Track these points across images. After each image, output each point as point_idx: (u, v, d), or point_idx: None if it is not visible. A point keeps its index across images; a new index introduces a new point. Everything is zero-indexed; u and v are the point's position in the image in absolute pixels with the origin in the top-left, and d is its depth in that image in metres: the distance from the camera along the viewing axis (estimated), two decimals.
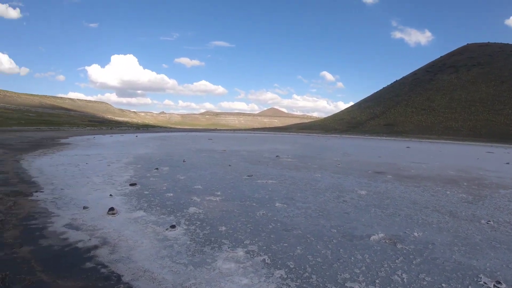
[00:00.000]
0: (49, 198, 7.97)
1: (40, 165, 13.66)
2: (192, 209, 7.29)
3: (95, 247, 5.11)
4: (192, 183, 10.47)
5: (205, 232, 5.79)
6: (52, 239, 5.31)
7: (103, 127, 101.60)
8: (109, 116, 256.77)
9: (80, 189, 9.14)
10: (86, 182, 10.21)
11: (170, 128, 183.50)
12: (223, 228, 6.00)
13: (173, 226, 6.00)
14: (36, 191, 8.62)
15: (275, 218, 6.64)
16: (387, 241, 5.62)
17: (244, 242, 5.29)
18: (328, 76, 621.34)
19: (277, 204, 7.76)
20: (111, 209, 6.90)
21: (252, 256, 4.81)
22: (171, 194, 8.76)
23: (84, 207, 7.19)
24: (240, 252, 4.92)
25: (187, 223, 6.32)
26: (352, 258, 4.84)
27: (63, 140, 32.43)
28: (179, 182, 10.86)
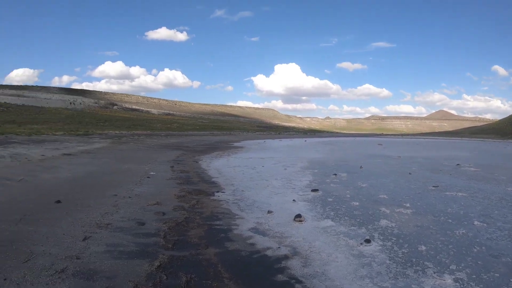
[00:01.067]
0: (231, 199, 8.10)
1: (218, 166, 14.82)
2: (383, 222, 6.90)
3: (286, 257, 4.89)
4: (376, 191, 10.17)
5: (403, 250, 5.31)
6: (238, 243, 5.12)
7: (272, 132, 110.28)
8: (276, 122, 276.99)
9: (260, 192, 9.15)
10: (265, 185, 10.29)
11: (336, 133, 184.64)
12: (423, 247, 5.47)
13: (367, 241, 5.62)
14: (218, 191, 8.97)
15: (477, 240, 5.92)
16: None
17: (450, 267, 4.71)
18: (501, 71, 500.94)
19: (475, 223, 6.99)
20: (298, 216, 6.57)
21: (462, 285, 4.21)
22: (357, 203, 8.48)
23: (268, 211, 6.98)
24: (449, 280, 4.33)
25: (381, 237, 5.91)
26: None
27: (236, 144, 35.99)
28: (362, 190, 10.06)
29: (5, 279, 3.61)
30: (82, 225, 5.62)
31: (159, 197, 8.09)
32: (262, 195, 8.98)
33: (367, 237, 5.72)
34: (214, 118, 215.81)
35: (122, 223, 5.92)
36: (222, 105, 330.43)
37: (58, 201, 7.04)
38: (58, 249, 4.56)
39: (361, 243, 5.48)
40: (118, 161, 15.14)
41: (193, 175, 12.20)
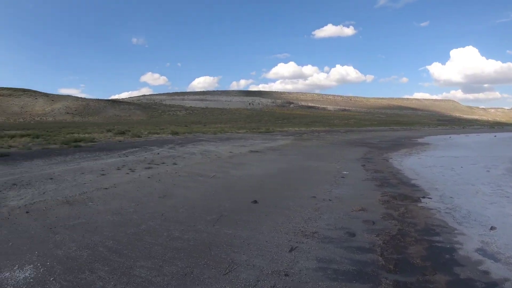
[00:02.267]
0: (442, 208, 7.14)
1: (412, 166, 13.66)
2: None
3: None
4: None
5: None
6: (468, 269, 4.45)
7: (455, 126, 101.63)
8: (457, 114, 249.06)
9: (472, 200, 8.02)
10: (473, 191, 9.02)
11: None
12: None
13: None
14: (424, 197, 8.07)
15: None
16: None
17: None
18: None
19: None
20: None
21: None
22: None
23: (491, 228, 5.70)
24: None
25: None
26: None
27: (420, 140, 33.73)
28: None
29: None
30: (286, 231, 5.55)
31: (361, 201, 7.68)
32: (475, 204, 7.76)
33: None
34: (391, 112, 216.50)
35: (329, 232, 5.65)
36: (398, 98, 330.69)
37: (255, 201, 7.34)
38: (262, 261, 4.46)
39: None
40: (305, 158, 15.57)
41: (389, 175, 11.49)
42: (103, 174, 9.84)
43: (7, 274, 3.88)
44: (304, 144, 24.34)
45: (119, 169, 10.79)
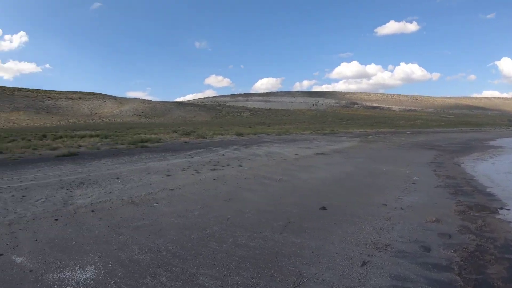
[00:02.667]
0: None
1: (486, 171, 12.53)
2: None
3: None
4: None
5: None
6: None
7: None
8: None
9: None
10: None
11: None
12: None
13: None
14: (501, 208, 7.28)
15: None
16: None
17: None
18: None
19: None
20: None
21: None
22: None
23: None
24: None
25: None
26: None
27: (492, 143, 31.29)
28: None
29: None
30: (357, 243, 5.15)
31: (435, 211, 7.07)
32: None
33: None
34: (459, 112, 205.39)
35: (402, 245, 5.15)
36: (466, 97, 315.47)
37: (323, 208, 6.98)
38: (332, 275, 4.16)
39: None
40: (373, 162, 14.79)
41: (462, 182, 10.50)
42: (168, 175, 10.05)
43: (68, 273, 3.95)
44: (370, 146, 23.27)
45: (184, 170, 10.97)
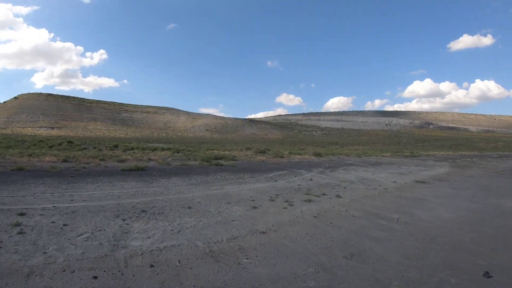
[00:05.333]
0: None
1: None
2: None
3: None
4: None
5: None
6: None
7: None
8: None
9: None
10: None
11: None
12: None
13: None
14: None
15: None
16: None
17: None
18: None
19: None
20: None
21: None
22: None
23: None
24: None
25: None
26: None
27: None
28: None
29: None
30: None
31: None
32: None
33: None
34: None
35: None
36: None
37: (487, 274, 4.23)
38: None
39: None
40: (487, 194, 11.49)
41: None
42: (254, 207, 7.66)
43: None
44: (468, 173, 19.25)
45: (272, 200, 8.55)
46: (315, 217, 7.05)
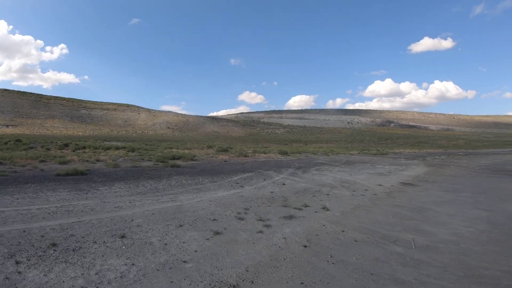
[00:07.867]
0: None
1: None
2: None
3: None
4: None
5: None
6: None
7: None
8: None
9: None
10: None
11: None
12: None
13: None
14: None
15: None
16: None
17: None
18: None
19: None
20: None
21: None
22: None
23: None
24: None
25: None
26: None
27: None
28: None
29: None
30: None
31: None
32: None
33: None
34: (498, 132, 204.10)
35: None
36: (504, 115, 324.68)
37: None
38: None
39: None
40: (485, 197, 9.99)
41: None
42: (217, 233, 5.31)
43: None
44: (449, 173, 17.97)
45: (241, 219, 6.27)
46: (305, 246, 4.90)
